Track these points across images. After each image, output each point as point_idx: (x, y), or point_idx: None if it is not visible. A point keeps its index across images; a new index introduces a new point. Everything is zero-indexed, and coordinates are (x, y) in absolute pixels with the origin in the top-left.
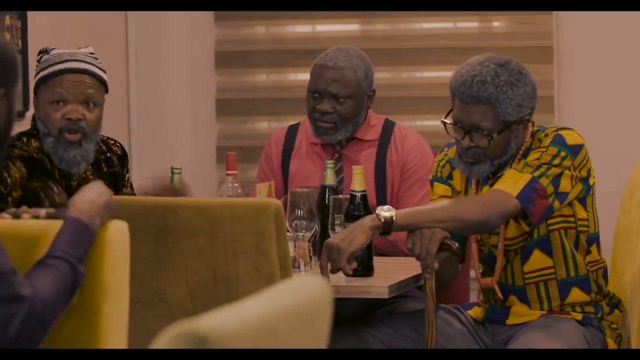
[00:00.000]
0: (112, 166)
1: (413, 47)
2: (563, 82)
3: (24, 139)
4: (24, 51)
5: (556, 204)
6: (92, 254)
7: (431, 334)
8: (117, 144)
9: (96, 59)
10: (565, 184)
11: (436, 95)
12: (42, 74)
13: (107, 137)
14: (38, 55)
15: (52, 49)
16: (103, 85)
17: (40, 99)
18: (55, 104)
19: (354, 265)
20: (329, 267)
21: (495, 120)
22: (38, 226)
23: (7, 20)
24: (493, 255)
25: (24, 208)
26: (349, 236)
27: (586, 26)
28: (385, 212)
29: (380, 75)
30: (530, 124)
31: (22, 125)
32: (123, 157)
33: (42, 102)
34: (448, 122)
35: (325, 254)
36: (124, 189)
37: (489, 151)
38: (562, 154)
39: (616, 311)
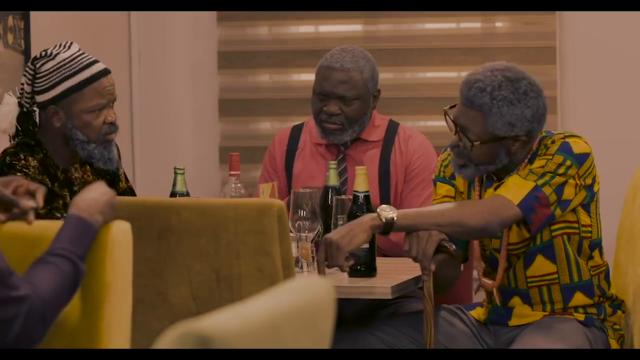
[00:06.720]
0: None
1: (416, 48)
2: (566, 82)
3: (22, 156)
4: (27, 52)
5: (557, 212)
6: (95, 254)
7: (430, 336)
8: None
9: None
10: (568, 193)
11: (439, 96)
12: (70, 82)
13: None
14: (36, 61)
15: (56, 54)
16: None
17: (75, 108)
18: (97, 112)
19: (352, 262)
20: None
21: (483, 129)
22: (39, 226)
23: (10, 20)
24: (494, 257)
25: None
26: (349, 234)
27: (589, 26)
28: (387, 212)
29: (384, 76)
30: (531, 142)
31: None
32: (118, 152)
33: (78, 112)
34: (449, 113)
35: (323, 249)
36: (119, 184)
37: (473, 156)
38: (568, 162)
39: (619, 312)
